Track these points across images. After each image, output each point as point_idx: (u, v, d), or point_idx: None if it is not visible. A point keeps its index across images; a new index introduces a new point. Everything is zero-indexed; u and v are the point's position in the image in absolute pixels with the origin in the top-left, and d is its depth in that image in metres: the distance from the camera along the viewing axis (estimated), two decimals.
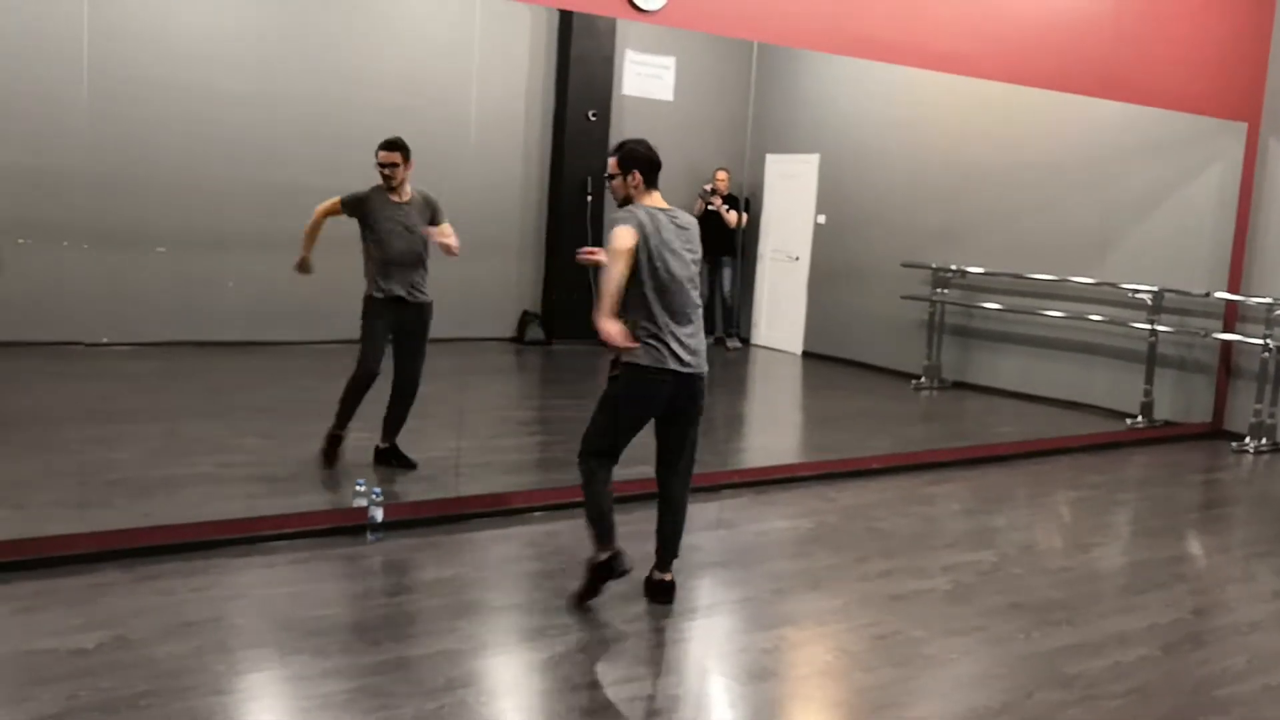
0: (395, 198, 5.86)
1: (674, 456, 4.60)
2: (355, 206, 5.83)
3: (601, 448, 4.51)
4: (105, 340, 6.70)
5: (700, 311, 4.56)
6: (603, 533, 4.46)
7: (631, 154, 4.49)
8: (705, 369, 4.52)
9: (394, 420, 6.05)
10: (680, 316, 4.44)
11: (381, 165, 5.80)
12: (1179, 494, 7.28)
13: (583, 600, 4.48)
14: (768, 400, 9.82)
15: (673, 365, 4.39)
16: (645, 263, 4.36)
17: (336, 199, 5.83)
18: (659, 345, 4.38)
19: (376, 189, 5.84)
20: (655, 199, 4.53)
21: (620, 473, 4.60)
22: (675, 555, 4.67)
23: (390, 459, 6.06)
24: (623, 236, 4.36)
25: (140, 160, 6.92)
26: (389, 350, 5.97)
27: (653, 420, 4.55)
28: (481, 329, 7.79)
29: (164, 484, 5.62)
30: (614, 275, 4.32)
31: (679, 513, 4.65)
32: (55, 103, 6.32)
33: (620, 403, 4.48)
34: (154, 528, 4.83)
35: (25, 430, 6.21)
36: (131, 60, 6.83)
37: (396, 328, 5.94)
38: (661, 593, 4.61)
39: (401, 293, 5.88)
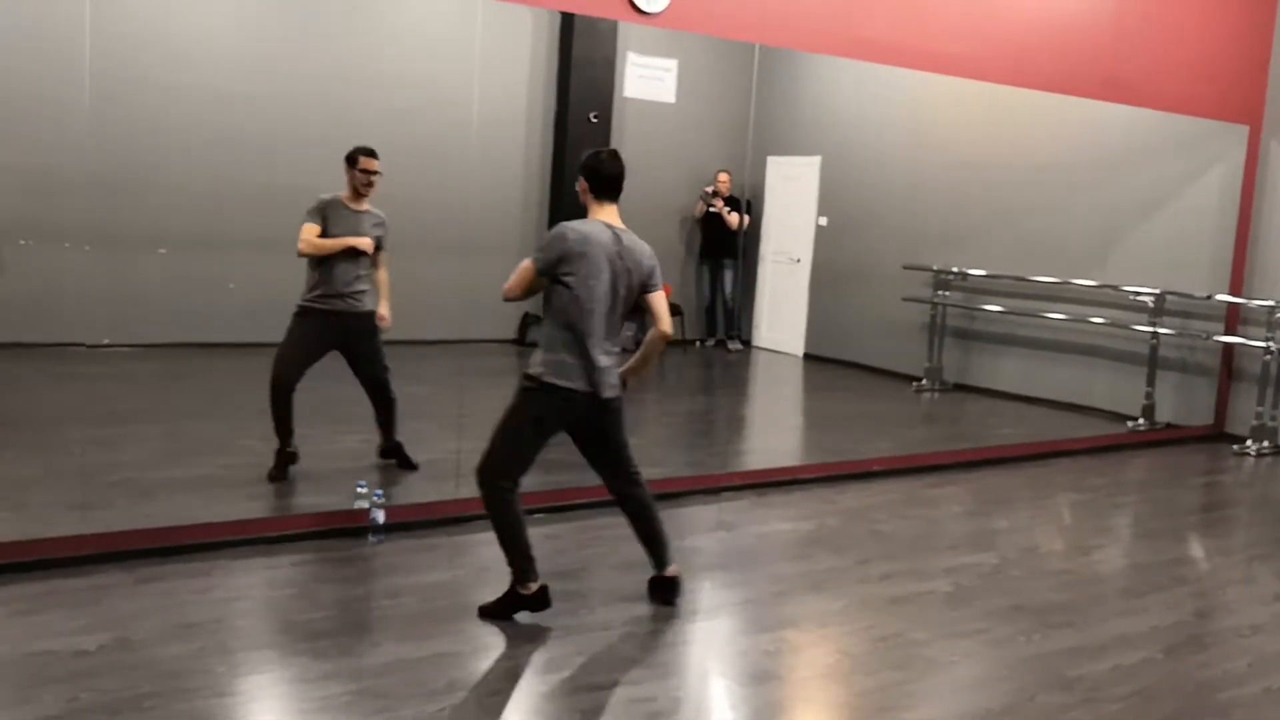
0: (355, 206, 5.77)
1: (613, 466, 4.58)
2: (320, 215, 5.71)
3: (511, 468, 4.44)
4: (107, 341, 6.71)
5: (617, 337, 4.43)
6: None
7: (582, 161, 4.42)
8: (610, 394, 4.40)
9: (383, 424, 6.06)
10: (591, 338, 4.31)
11: (367, 173, 5.72)
12: (1180, 496, 7.27)
13: (491, 617, 4.36)
14: (769, 402, 9.81)
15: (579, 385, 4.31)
16: (565, 279, 4.26)
17: (310, 224, 5.67)
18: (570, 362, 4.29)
19: (337, 197, 5.74)
20: (606, 213, 4.40)
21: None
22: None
23: (392, 456, 6.09)
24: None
25: (142, 161, 6.92)
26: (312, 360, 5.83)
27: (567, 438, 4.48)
28: (482, 331, 7.78)
29: (165, 485, 5.62)
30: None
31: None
32: (56, 104, 6.32)
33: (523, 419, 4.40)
34: (155, 529, 4.83)
35: (26, 431, 6.22)
36: (133, 61, 6.84)
37: (341, 337, 5.82)
38: (667, 589, 4.60)
39: (342, 305, 5.76)
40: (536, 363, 4.34)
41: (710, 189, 8.52)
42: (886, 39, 6.87)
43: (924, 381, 9.35)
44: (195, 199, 7.06)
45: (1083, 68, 7.79)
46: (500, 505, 4.35)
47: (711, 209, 8.53)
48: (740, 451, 7.55)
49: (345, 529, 5.19)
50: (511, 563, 4.36)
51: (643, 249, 4.44)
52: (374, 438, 6.10)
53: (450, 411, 6.30)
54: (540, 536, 5.39)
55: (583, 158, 4.44)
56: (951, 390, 9.34)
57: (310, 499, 5.45)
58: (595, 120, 7.70)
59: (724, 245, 8.92)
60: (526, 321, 8.15)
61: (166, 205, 7.00)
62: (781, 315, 10.09)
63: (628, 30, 6.99)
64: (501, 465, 4.37)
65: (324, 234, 5.69)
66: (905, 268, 9.14)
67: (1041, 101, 7.77)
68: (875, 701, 3.87)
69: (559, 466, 6.34)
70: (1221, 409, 9.12)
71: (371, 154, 5.73)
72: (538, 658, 4.06)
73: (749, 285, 9.62)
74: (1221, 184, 8.92)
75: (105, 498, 5.31)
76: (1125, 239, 9.04)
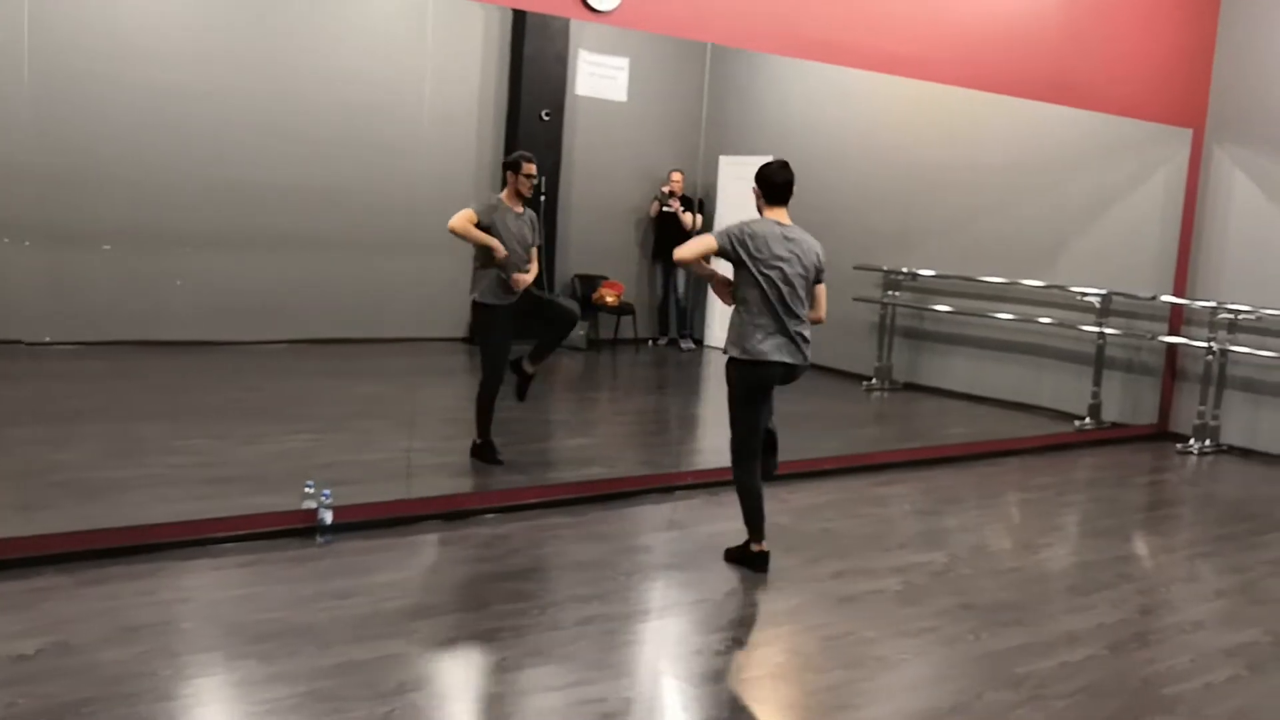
0: (516, 208, 6.18)
1: None
2: (487, 215, 6.07)
3: None
4: (48, 339, 6.58)
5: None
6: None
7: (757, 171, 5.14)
8: None
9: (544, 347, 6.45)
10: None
11: (530, 177, 6.14)
12: (1126, 495, 7.38)
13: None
14: (721, 401, 9.79)
15: None
16: None
17: (471, 211, 6.03)
18: None
19: (501, 201, 6.13)
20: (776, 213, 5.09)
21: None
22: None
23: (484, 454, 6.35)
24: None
25: (85, 155, 6.80)
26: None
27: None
28: (434, 329, 7.73)
29: (110, 486, 5.53)
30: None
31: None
32: None
33: None
34: (98, 530, 4.75)
35: None
36: (77, 53, 6.71)
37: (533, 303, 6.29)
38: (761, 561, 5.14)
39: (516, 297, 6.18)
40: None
41: (667, 189, 8.52)
42: (838, 40, 6.91)
43: (874, 381, 9.41)
44: (141, 194, 6.94)
45: (1031, 70, 7.88)
46: None
47: (666, 209, 8.53)
48: (693, 450, 7.56)
49: (293, 529, 5.13)
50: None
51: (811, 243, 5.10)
52: (322, 437, 6.03)
53: (401, 410, 6.25)
54: (492, 537, 5.38)
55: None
56: (901, 389, 9.40)
57: (257, 499, 5.38)
58: (547, 117, 7.67)
59: (678, 244, 8.91)
60: None
61: (111, 200, 6.89)
62: None
63: (580, 28, 6.96)
64: None
65: (490, 232, 6.05)
66: (856, 268, 9.18)
67: (991, 103, 7.84)
68: (826, 700, 3.89)
69: (511, 467, 6.33)
70: (1165, 408, 9.26)
71: (533, 160, 6.20)
72: (488, 658, 4.03)
73: (701, 285, 9.62)
74: (1166, 187, 9.05)
75: (47, 499, 5.21)
76: (1072, 240, 9.15)
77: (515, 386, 6.32)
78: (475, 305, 6.20)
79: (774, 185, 5.05)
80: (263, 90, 7.39)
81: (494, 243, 6.03)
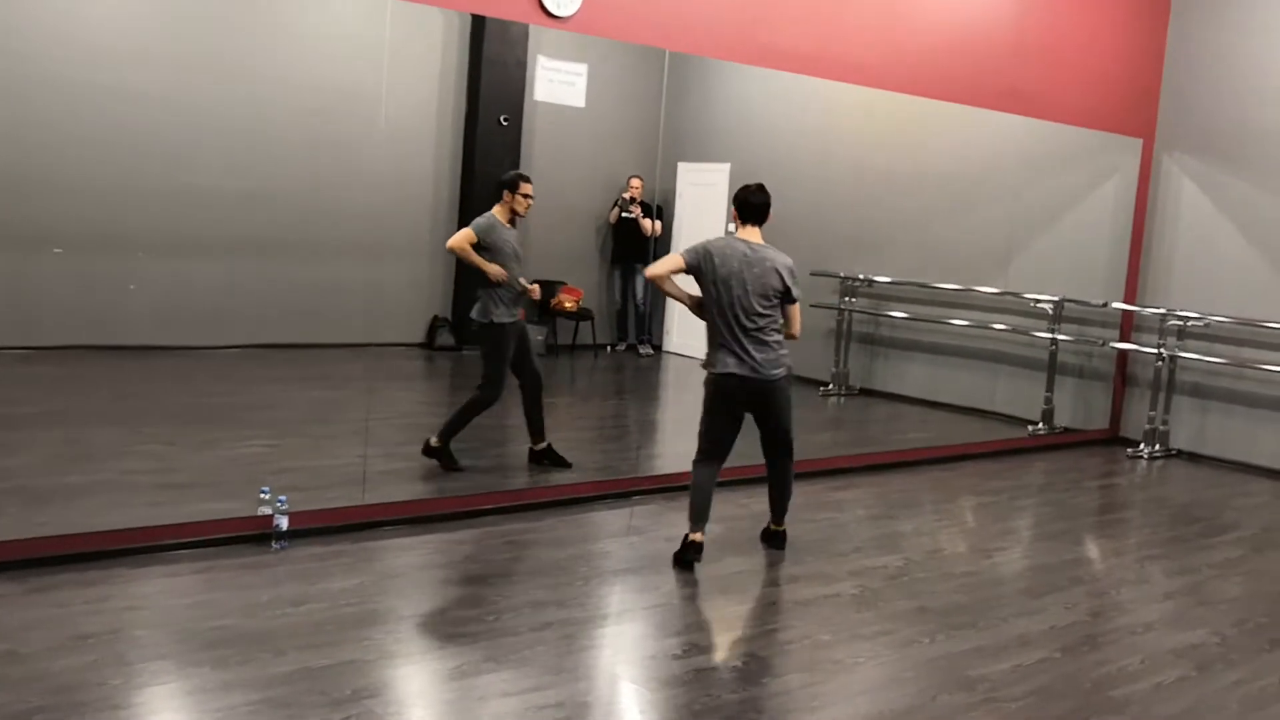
0: (510, 225, 6.27)
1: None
2: (487, 234, 6.16)
3: None
4: None
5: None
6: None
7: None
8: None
9: (535, 420, 6.54)
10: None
11: (529, 198, 6.20)
12: (1077, 499, 7.47)
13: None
14: (679, 407, 9.83)
15: None
16: None
17: (470, 230, 6.15)
18: None
19: (496, 219, 6.20)
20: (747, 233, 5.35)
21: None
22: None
23: (544, 458, 6.54)
24: None
25: (36, 158, 6.70)
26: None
27: None
28: (390, 334, 7.68)
29: (61, 492, 5.45)
30: None
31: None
32: None
33: None
34: (48, 537, 4.69)
35: None
36: (29, 55, 6.62)
37: (518, 344, 6.38)
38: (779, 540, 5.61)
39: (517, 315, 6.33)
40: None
41: (627, 195, 8.54)
42: (795, 48, 6.96)
43: (830, 386, 9.47)
44: (94, 197, 6.85)
45: (984, 79, 7.98)
46: None
47: (626, 215, 8.54)
48: (650, 456, 7.58)
49: (248, 536, 5.09)
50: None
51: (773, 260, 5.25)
52: (278, 443, 5.99)
53: (357, 416, 6.21)
54: (448, 542, 5.37)
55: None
56: (857, 395, 9.47)
57: (212, 505, 5.33)
58: (506, 123, 7.66)
59: (636, 250, 8.92)
60: (435, 325, 8.08)
61: (63, 203, 6.79)
62: (692, 320, 10.20)
63: (539, 34, 6.97)
64: None
65: (485, 250, 6.15)
66: (812, 274, 9.22)
67: (945, 112, 7.93)
68: (782, 704, 3.91)
69: (467, 473, 6.31)
70: (1116, 413, 9.40)
71: (530, 180, 6.27)
72: (444, 664, 4.02)
73: (660, 290, 9.63)
74: (1117, 195, 9.19)
75: None
76: (1026, 248, 9.26)
77: (444, 461, 6.29)
78: (487, 326, 6.25)
79: (744, 205, 5.30)
80: (218, 94, 7.32)
81: (491, 268, 6.12)
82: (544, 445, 6.54)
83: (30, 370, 6.83)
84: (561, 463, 6.55)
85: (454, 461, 6.23)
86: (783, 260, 5.22)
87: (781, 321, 5.25)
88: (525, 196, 6.23)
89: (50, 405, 6.72)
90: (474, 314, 6.31)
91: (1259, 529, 6.86)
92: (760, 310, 5.13)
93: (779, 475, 5.53)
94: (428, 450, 6.26)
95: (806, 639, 4.49)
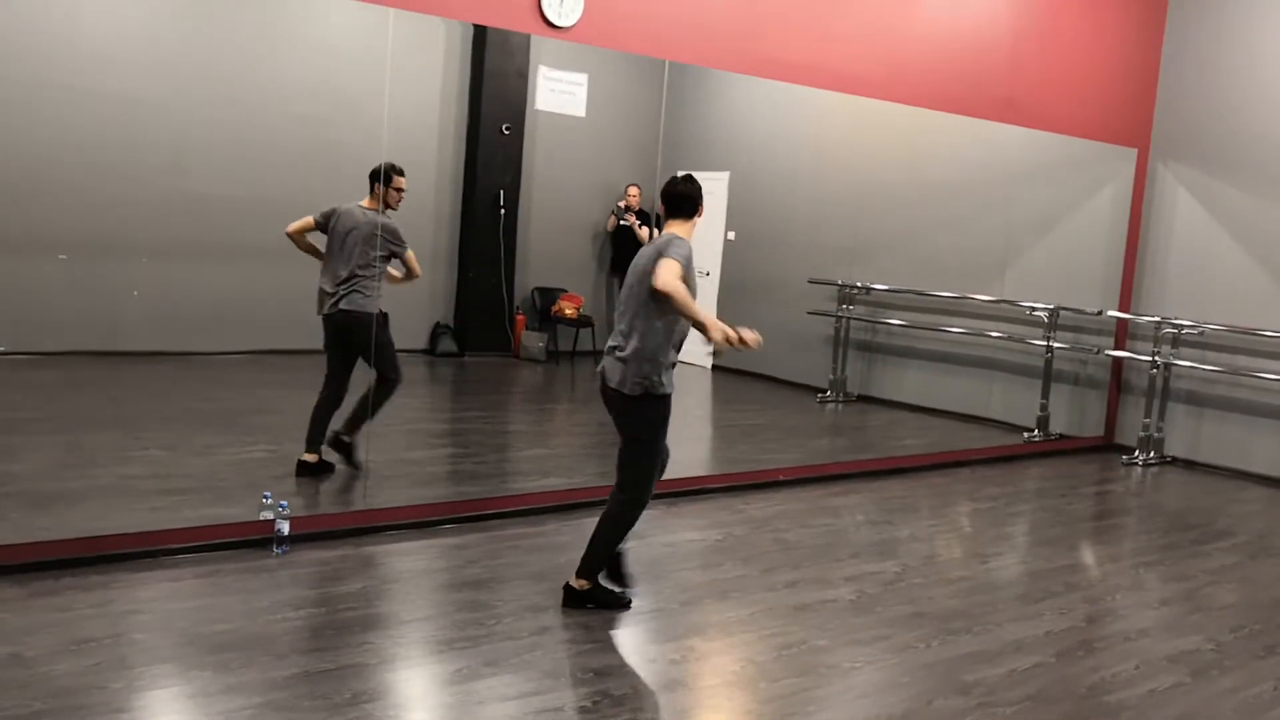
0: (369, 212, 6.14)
1: None
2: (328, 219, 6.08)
3: None
4: (2, 349, 6.51)
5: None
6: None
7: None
8: None
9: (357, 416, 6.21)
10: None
11: (400, 191, 6.07)
12: (1073, 505, 7.51)
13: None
14: (677, 413, 9.85)
15: None
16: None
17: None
18: None
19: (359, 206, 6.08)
20: (674, 227, 4.80)
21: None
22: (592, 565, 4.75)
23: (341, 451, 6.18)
24: None
25: (40, 164, 6.74)
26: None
27: None
28: (397, 341, 7.72)
29: (63, 496, 5.48)
30: None
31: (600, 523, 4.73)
32: None
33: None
34: (50, 542, 4.72)
35: None
36: (33, 60, 6.66)
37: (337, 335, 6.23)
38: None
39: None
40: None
41: (623, 204, 8.58)
42: (794, 59, 7.01)
43: (828, 393, 9.50)
44: (97, 203, 6.88)
45: (981, 90, 8.03)
46: None
47: (623, 223, 8.58)
48: None
49: (250, 540, 5.13)
50: None
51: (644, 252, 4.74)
52: (279, 449, 6.01)
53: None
54: (449, 547, 5.40)
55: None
56: (855, 401, 9.50)
57: (213, 510, 5.37)
58: (507, 132, 7.71)
59: (633, 258, 8.97)
60: (437, 331, 8.12)
61: (66, 209, 6.82)
62: (689, 328, 10.31)
63: (540, 44, 7.02)
64: None
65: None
66: (811, 282, 9.28)
67: (943, 122, 7.98)
68: (780, 708, 3.95)
69: (469, 477, 6.34)
70: (1111, 420, 9.44)
71: (403, 172, 6.12)
72: (444, 669, 4.05)
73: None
74: (1112, 204, 9.25)
75: None
76: (1021, 256, 9.31)
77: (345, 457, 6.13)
78: (379, 316, 6.16)
79: (669, 196, 4.77)
80: (222, 101, 7.35)
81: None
82: (349, 441, 6.20)
83: (33, 375, 6.86)
84: (352, 462, 6.17)
85: (351, 457, 6.13)
86: (661, 246, 4.67)
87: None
88: (398, 190, 6.10)
89: (52, 410, 6.75)
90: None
91: (1253, 536, 6.90)
92: (627, 309, 4.82)
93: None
94: (334, 443, 6.12)
95: (804, 644, 4.52)
